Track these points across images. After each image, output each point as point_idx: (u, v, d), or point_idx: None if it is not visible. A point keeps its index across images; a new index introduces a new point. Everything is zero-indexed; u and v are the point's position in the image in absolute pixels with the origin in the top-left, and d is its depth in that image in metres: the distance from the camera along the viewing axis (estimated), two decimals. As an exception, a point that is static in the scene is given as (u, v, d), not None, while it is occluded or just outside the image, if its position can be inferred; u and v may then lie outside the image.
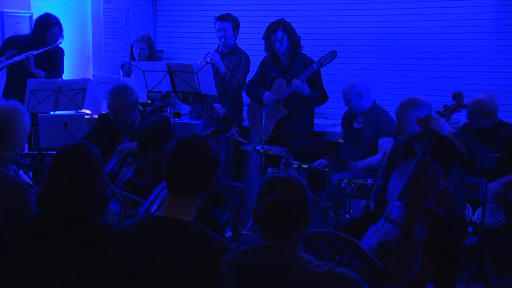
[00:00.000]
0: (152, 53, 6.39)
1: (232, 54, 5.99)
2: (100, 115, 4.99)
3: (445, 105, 4.05)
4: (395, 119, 5.21)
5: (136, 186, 4.30)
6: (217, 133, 3.75)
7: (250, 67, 6.01)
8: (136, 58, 6.29)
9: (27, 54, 5.77)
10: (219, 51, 5.95)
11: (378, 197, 4.20)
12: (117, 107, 4.54)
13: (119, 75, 6.59)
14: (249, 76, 6.00)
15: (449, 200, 3.82)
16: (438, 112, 3.97)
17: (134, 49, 6.37)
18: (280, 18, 5.66)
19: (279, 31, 5.55)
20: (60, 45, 6.06)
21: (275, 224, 2.21)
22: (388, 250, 3.66)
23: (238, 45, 6.05)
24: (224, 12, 6.02)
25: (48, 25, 5.92)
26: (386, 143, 4.96)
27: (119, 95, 4.53)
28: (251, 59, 5.99)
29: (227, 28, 5.93)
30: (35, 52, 5.82)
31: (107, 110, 4.71)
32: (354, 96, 5.07)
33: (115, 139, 4.65)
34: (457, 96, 4.02)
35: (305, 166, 5.09)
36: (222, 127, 3.79)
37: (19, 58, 5.75)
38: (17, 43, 5.90)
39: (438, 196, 3.79)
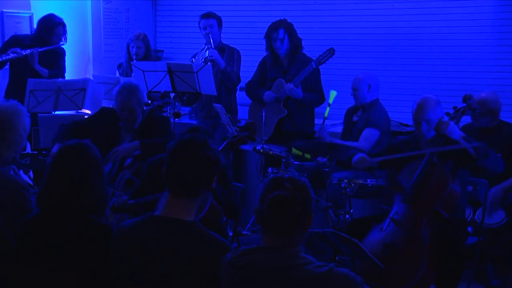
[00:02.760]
0: (148, 51, 6.35)
1: (221, 51, 5.98)
2: (103, 108, 4.90)
3: (455, 107, 4.00)
4: (392, 119, 5.27)
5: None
6: (242, 141, 3.71)
7: (250, 67, 6.01)
8: (133, 57, 6.26)
9: (32, 50, 5.71)
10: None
11: None
12: (130, 104, 4.46)
13: (117, 75, 6.57)
14: (248, 76, 6.00)
15: (455, 203, 3.79)
16: (447, 114, 3.92)
17: (130, 47, 6.31)
18: (282, 18, 5.66)
19: (281, 30, 5.54)
20: (62, 46, 6.03)
21: (278, 223, 2.21)
22: (392, 252, 3.62)
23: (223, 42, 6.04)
24: (223, 12, 6.03)
25: (53, 26, 5.88)
26: (369, 134, 5.00)
27: (132, 93, 4.46)
28: (250, 59, 5.99)
29: (213, 24, 5.94)
30: (39, 49, 5.76)
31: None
32: (363, 86, 5.13)
33: (114, 135, 4.59)
34: (467, 99, 3.97)
35: (307, 155, 5.07)
36: (246, 135, 3.75)
37: (23, 53, 5.67)
38: (20, 42, 5.84)
39: (445, 200, 3.76)
